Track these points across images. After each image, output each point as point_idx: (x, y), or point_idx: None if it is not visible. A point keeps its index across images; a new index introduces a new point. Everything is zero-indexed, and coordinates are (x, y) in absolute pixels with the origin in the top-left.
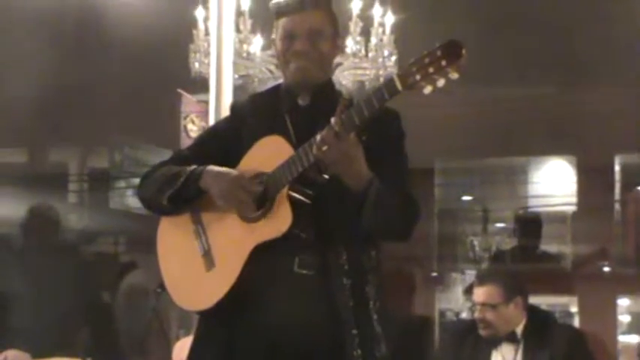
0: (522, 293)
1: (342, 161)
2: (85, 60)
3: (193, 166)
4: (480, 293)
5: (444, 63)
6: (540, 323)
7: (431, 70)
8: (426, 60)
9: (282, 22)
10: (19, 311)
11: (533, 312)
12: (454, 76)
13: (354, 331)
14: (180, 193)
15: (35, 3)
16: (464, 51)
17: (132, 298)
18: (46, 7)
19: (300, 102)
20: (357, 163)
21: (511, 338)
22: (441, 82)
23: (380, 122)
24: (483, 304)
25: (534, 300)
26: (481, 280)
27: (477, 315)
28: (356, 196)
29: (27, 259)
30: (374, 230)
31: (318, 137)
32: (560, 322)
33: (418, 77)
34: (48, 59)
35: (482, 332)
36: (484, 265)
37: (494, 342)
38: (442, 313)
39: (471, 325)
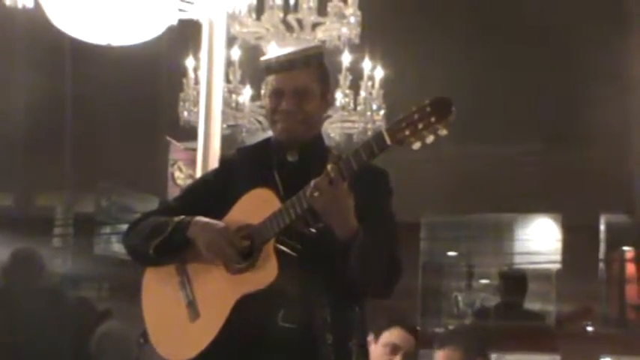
0: (483, 355)
1: (333, 208)
2: (74, 105)
3: (181, 217)
4: (440, 356)
5: (433, 119)
6: None
7: (420, 126)
8: (416, 116)
9: (271, 78)
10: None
11: None
12: (443, 132)
13: None
14: (166, 243)
15: (24, 45)
16: (453, 108)
17: (104, 346)
18: (36, 49)
19: (289, 158)
20: (347, 212)
21: None
22: (429, 139)
23: (369, 179)
24: None
25: (518, 357)
26: (441, 343)
27: None
28: (342, 245)
29: (5, 304)
30: (356, 283)
31: (312, 183)
32: None
33: (407, 133)
34: (36, 102)
35: None
36: (467, 322)
37: None
38: None
39: None
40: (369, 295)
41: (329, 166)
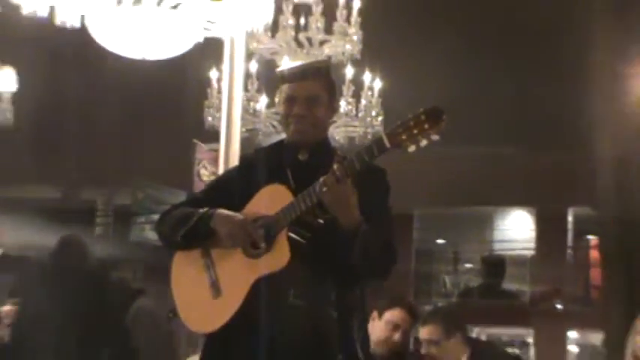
0: (461, 329)
1: (338, 202)
2: (112, 113)
3: (205, 209)
4: (423, 332)
5: (426, 126)
6: (483, 353)
7: (415, 131)
8: (411, 122)
9: (285, 87)
10: (47, 328)
11: (476, 344)
12: (435, 137)
13: (340, 356)
14: (192, 232)
15: (74, 59)
16: (444, 116)
17: (138, 320)
18: (83, 63)
19: (300, 157)
20: (351, 205)
21: None
22: (423, 142)
23: (369, 177)
24: (427, 341)
25: (496, 331)
26: (424, 320)
27: (423, 350)
28: (347, 234)
29: (55, 283)
30: (358, 267)
31: (321, 180)
32: (501, 351)
33: (404, 137)
34: (83, 109)
35: None
36: (453, 301)
37: None
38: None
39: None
40: (368, 277)
41: (335, 165)
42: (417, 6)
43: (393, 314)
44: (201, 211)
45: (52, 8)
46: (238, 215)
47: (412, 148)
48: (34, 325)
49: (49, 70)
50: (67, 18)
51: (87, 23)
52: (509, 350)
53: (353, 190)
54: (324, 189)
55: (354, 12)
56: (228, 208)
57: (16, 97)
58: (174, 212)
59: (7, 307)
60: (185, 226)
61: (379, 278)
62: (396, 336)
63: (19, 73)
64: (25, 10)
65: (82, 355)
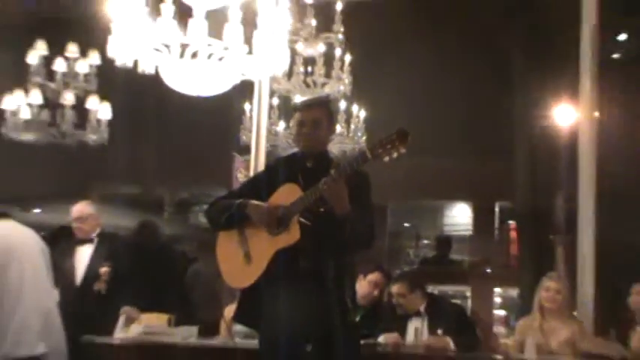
0: (421, 286)
1: (335, 195)
2: (181, 133)
3: (241, 200)
4: (394, 288)
5: (397, 143)
6: (437, 303)
7: (389, 146)
8: (385, 141)
9: (297, 115)
10: (131, 284)
11: (431, 297)
12: (403, 150)
13: (337, 314)
14: (231, 216)
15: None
16: (409, 136)
17: (196, 278)
18: (155, 99)
19: (308, 164)
20: (343, 198)
21: (418, 314)
22: (394, 154)
23: (357, 179)
24: (397, 295)
25: (444, 288)
26: (395, 280)
27: (394, 301)
28: (341, 218)
29: (136, 252)
30: (349, 242)
31: (322, 181)
32: (449, 302)
33: (381, 151)
34: (159, 132)
35: (398, 311)
36: (415, 267)
37: (408, 316)
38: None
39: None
40: (356, 248)
41: (332, 170)
42: (389, 55)
43: (373, 276)
44: (237, 202)
45: (135, 61)
46: (265, 204)
47: (387, 159)
48: (122, 281)
49: (134, 103)
50: (146, 67)
51: (160, 71)
52: (454, 301)
53: (345, 187)
54: (325, 187)
55: (346, 64)
56: (257, 200)
57: (111, 123)
58: (218, 203)
59: (104, 269)
60: (227, 213)
61: (363, 249)
62: (376, 291)
63: (113, 105)
64: (118, 62)
65: (154, 302)
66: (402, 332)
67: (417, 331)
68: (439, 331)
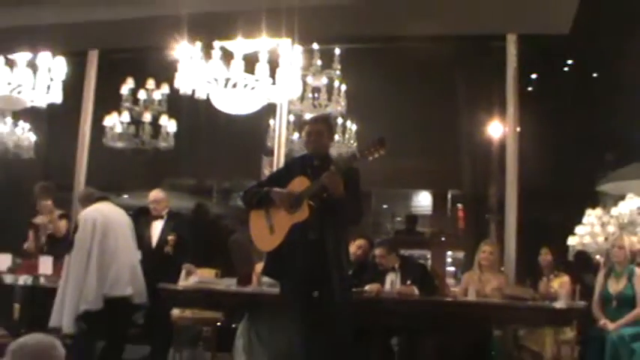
0: (396, 250)
1: (334, 184)
2: (224, 141)
3: (267, 188)
4: (376, 251)
5: (378, 147)
6: (406, 262)
7: (372, 150)
8: (370, 145)
9: (307, 127)
10: (190, 248)
11: (403, 258)
12: (382, 152)
13: (335, 270)
14: (260, 199)
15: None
16: (386, 143)
17: (235, 243)
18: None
19: (315, 163)
20: (340, 186)
21: (393, 270)
22: (376, 155)
23: (350, 173)
24: (378, 256)
25: (412, 252)
26: (376, 245)
27: (376, 261)
28: (338, 201)
29: (194, 226)
30: (345, 218)
31: (324, 175)
32: (416, 261)
33: (367, 152)
34: (208, 141)
35: (379, 268)
36: (391, 236)
37: (386, 271)
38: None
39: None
40: (350, 223)
41: (332, 167)
42: (374, 86)
43: (359, 242)
44: (264, 189)
45: (193, 90)
46: (284, 190)
47: (371, 159)
48: (184, 246)
49: (192, 120)
50: (200, 94)
51: (211, 97)
52: (419, 261)
53: (341, 179)
54: (326, 179)
55: (342, 92)
56: (278, 188)
57: (176, 134)
58: (251, 190)
59: (171, 237)
60: (257, 197)
61: (355, 223)
62: (359, 252)
63: (178, 122)
64: (182, 91)
65: (206, 260)
66: (382, 283)
67: (392, 282)
68: (408, 282)
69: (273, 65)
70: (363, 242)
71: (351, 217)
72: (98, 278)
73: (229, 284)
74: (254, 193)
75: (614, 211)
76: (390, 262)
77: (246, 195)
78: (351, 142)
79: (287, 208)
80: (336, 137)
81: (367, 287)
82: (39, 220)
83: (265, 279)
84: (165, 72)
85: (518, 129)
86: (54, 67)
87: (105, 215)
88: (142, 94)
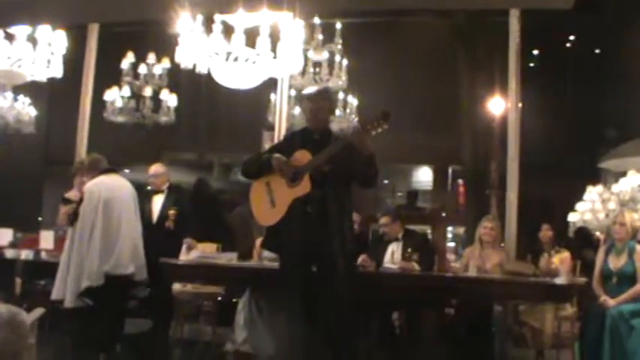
0: (400, 220)
1: (362, 142)
2: (221, 115)
3: (267, 155)
4: (382, 219)
5: (382, 121)
6: (409, 233)
7: (376, 124)
8: (374, 119)
9: (305, 102)
10: (191, 222)
11: (406, 229)
12: (386, 126)
13: (337, 239)
14: (261, 167)
15: (205, 89)
16: (390, 116)
17: (236, 218)
18: (206, 90)
19: (315, 137)
20: (368, 143)
21: (396, 239)
22: (380, 130)
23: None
24: (383, 224)
25: (414, 226)
26: (382, 214)
27: (381, 230)
28: (365, 159)
29: (194, 200)
30: (363, 180)
31: (352, 133)
32: (418, 233)
33: (369, 127)
34: (209, 115)
35: (384, 238)
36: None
37: (390, 241)
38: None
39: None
40: (368, 185)
41: (359, 125)
42: (375, 61)
43: (359, 215)
44: (265, 156)
45: (194, 64)
46: (283, 157)
47: (374, 133)
48: (185, 220)
49: (193, 95)
50: (201, 68)
51: (212, 71)
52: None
53: (368, 136)
54: (354, 136)
55: (343, 66)
56: None
57: (176, 109)
58: (250, 159)
59: (172, 211)
60: (257, 164)
61: (372, 186)
62: (356, 225)
63: (178, 96)
64: (182, 65)
65: (207, 235)
66: (384, 253)
67: (393, 253)
68: (408, 250)
69: (275, 39)
70: (357, 216)
71: (370, 179)
72: (101, 254)
73: (230, 258)
74: (254, 161)
75: (615, 187)
76: (394, 231)
77: (245, 164)
78: (352, 116)
79: (286, 177)
80: (337, 112)
81: (360, 259)
82: (72, 195)
83: (266, 253)
84: (166, 46)
85: (519, 105)
86: (54, 41)
87: (110, 189)
88: (142, 69)
